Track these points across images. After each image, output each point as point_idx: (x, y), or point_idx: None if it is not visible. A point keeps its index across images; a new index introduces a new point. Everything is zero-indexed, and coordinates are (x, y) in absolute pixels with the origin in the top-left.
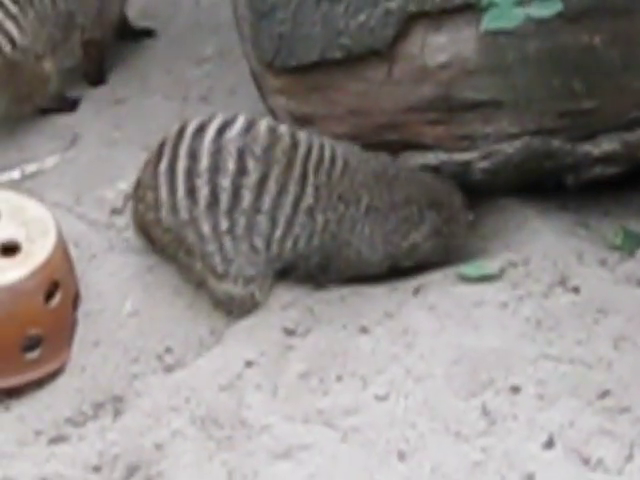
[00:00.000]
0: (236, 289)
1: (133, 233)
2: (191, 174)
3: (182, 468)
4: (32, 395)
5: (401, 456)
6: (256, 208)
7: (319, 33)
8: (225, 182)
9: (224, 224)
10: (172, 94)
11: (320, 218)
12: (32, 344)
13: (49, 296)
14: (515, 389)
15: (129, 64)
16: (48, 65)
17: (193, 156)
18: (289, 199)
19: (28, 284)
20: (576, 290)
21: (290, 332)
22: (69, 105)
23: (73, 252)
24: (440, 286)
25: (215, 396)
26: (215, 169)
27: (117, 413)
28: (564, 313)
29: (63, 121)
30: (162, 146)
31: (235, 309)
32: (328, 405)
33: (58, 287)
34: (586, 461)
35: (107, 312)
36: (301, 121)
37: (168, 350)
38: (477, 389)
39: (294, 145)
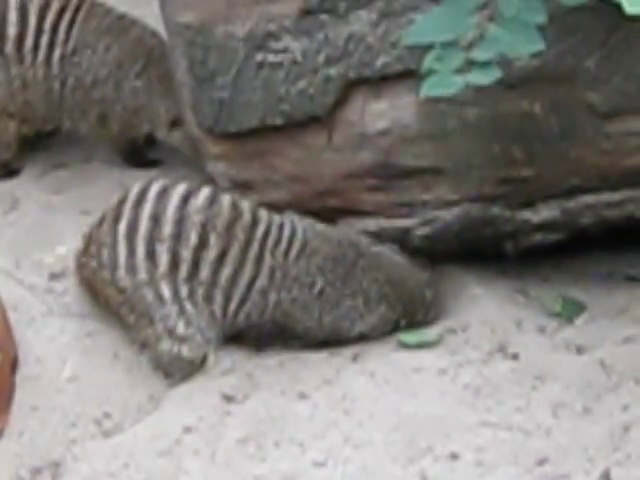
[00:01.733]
0: (190, 351)
1: (72, 298)
2: (153, 238)
3: None
4: None
5: None
6: (213, 282)
7: (259, 99)
8: (186, 253)
9: (184, 291)
10: (112, 160)
11: (273, 297)
12: None
13: None
14: (454, 456)
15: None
16: (13, 127)
17: (156, 220)
18: (244, 279)
19: None
20: (515, 357)
21: (229, 398)
22: (10, 173)
23: (12, 316)
24: (379, 352)
25: (153, 461)
26: (177, 238)
27: (55, 478)
28: (503, 380)
29: (3, 185)
30: (121, 205)
31: (182, 371)
32: (266, 471)
33: None
34: None
35: (45, 377)
36: (241, 187)
37: (106, 415)
38: (416, 456)
39: (254, 223)
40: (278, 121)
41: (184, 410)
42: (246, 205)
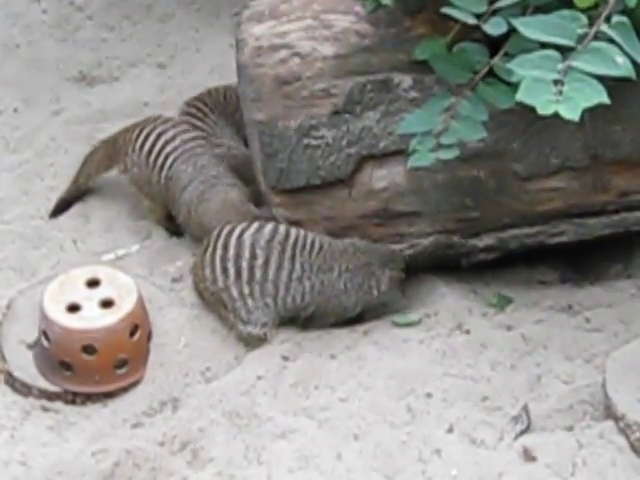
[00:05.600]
0: (255, 331)
1: (186, 294)
2: (224, 259)
3: (217, 444)
4: (121, 397)
5: (355, 437)
6: (264, 279)
7: (305, 167)
8: (244, 264)
9: (246, 290)
10: None
11: (307, 283)
12: (121, 364)
13: (132, 333)
14: (428, 395)
15: None
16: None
17: (225, 247)
18: (285, 273)
19: (119, 325)
20: (468, 332)
21: (285, 358)
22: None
23: (147, 306)
24: (381, 329)
25: (237, 398)
26: (238, 256)
27: (174, 408)
28: (460, 347)
29: (139, 222)
30: (208, 241)
31: (252, 344)
32: (309, 404)
33: (138, 328)
34: (473, 441)
35: (169, 344)
36: (293, 223)
37: (208, 369)
38: (404, 395)
39: (286, 236)
40: (317, 182)
41: (257, 365)
42: (282, 227)
